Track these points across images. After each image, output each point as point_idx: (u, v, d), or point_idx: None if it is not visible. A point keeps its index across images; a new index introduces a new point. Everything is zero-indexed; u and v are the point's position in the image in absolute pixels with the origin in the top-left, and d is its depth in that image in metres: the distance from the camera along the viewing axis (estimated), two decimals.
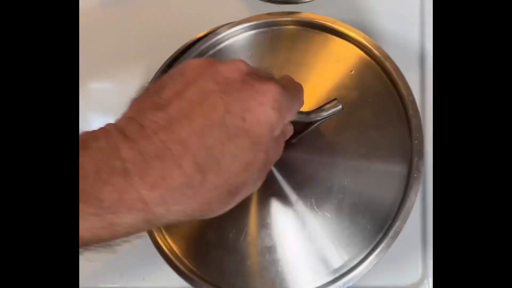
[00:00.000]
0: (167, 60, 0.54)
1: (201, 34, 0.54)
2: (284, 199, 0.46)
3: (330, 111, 0.46)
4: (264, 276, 0.46)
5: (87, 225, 0.29)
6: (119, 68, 0.60)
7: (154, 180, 0.30)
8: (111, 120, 0.37)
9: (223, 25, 0.54)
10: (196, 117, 0.31)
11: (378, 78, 0.49)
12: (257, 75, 0.34)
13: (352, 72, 0.49)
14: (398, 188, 0.45)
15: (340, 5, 0.60)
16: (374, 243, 0.45)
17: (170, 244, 0.50)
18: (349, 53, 0.50)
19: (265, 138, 0.33)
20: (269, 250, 0.46)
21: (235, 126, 0.31)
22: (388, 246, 0.45)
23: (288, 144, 0.41)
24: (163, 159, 0.30)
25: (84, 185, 0.29)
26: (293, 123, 0.42)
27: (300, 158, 0.46)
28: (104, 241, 0.32)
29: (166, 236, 0.50)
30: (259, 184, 0.36)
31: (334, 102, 0.47)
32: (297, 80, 0.39)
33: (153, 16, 0.61)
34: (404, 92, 0.47)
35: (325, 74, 0.50)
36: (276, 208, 0.46)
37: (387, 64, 0.48)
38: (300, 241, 0.45)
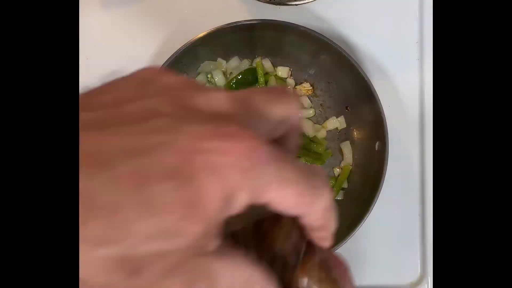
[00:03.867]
0: (167, 60, 0.54)
1: (201, 34, 0.54)
2: None
3: None
4: None
5: None
6: (119, 68, 0.61)
7: None
8: None
9: (223, 25, 0.54)
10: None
11: None
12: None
13: None
14: None
15: (337, 5, 0.61)
16: None
17: None
18: None
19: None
20: None
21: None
22: None
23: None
24: None
25: None
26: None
27: None
28: None
29: None
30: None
31: None
32: None
33: (153, 17, 0.61)
34: None
35: None
36: None
37: None
38: None
